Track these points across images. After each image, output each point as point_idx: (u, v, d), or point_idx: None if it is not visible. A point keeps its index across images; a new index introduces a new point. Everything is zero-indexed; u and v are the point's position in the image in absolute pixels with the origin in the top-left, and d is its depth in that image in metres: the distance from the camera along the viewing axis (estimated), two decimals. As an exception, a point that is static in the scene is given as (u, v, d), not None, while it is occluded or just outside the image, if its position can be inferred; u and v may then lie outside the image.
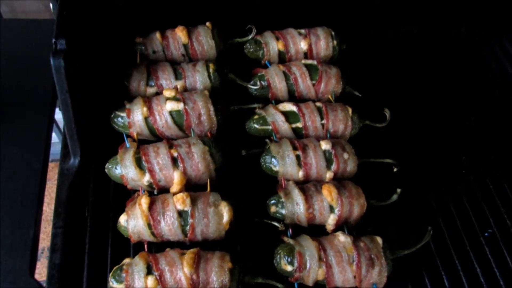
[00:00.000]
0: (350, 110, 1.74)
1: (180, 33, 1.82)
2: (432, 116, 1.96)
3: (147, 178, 1.48)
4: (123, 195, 1.54)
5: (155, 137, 1.65)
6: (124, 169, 1.48)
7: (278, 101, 1.81)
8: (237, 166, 1.65)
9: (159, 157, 1.48)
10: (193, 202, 1.42)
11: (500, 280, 1.56)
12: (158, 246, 1.46)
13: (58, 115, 1.92)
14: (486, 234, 1.66)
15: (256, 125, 1.71)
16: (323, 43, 1.91)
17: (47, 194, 3.10)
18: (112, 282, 1.32)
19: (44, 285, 1.37)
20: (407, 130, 1.88)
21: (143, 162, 1.48)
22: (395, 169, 1.68)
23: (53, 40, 1.43)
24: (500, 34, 2.26)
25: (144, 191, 1.49)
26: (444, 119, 1.96)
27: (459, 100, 2.03)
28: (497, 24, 2.27)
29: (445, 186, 1.75)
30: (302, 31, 1.94)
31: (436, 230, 1.58)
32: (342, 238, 1.44)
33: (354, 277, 1.40)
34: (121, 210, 1.47)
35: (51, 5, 1.62)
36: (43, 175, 1.55)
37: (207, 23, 1.88)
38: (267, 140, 1.66)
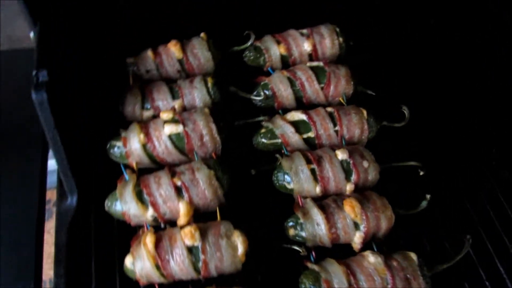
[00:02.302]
0: (365, 113, 1.59)
1: (174, 48, 1.68)
2: (453, 108, 1.79)
3: (150, 212, 1.36)
4: (128, 232, 1.41)
5: (156, 164, 1.52)
6: (124, 205, 1.35)
7: (286, 109, 1.67)
8: (248, 186, 1.51)
9: (161, 188, 1.35)
10: (203, 235, 1.28)
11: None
12: (171, 286, 1.33)
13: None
14: None
15: (264, 140, 1.57)
16: (328, 41, 1.76)
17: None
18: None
19: None
20: (428, 126, 1.72)
21: (145, 195, 1.35)
22: (421, 173, 1.52)
23: (34, 72, 1.31)
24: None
25: (149, 226, 1.37)
26: (467, 111, 1.78)
27: (479, 90, 1.85)
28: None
29: (478, 185, 1.59)
30: (304, 31, 1.80)
31: (475, 237, 1.42)
32: (372, 258, 1.30)
33: (390, 302, 1.25)
34: (128, 249, 1.34)
35: (31, 33, 1.50)
36: (39, 224, 1.44)
37: (202, 34, 1.75)
38: (277, 156, 1.52)
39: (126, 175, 1.42)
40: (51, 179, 1.60)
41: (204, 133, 1.47)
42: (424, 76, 1.85)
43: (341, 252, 1.38)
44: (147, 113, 1.60)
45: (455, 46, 1.94)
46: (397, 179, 1.55)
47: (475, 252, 1.44)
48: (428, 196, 1.45)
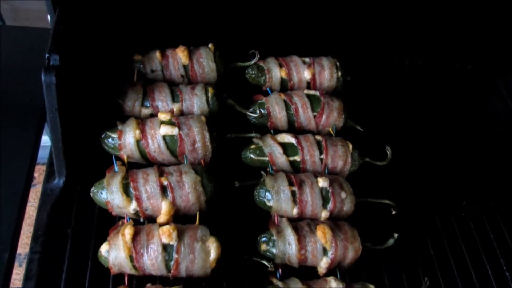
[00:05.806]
0: (350, 146, 1.68)
1: (181, 54, 1.76)
2: (434, 155, 1.90)
3: (133, 206, 1.41)
4: (107, 221, 1.46)
5: (146, 161, 1.58)
6: (110, 194, 1.40)
7: (277, 130, 1.75)
8: (229, 196, 1.58)
9: (147, 184, 1.41)
10: (180, 236, 1.34)
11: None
12: (140, 278, 1.38)
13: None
14: None
15: (252, 155, 1.64)
16: (327, 73, 1.86)
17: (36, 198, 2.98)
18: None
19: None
20: (407, 168, 1.82)
21: (131, 189, 1.41)
22: (393, 212, 1.61)
23: (46, 55, 1.36)
24: (505, 73, 2.22)
25: (129, 219, 1.42)
26: (445, 159, 1.89)
27: (461, 140, 1.98)
28: (503, 62, 2.23)
29: (446, 233, 1.68)
30: (307, 59, 1.89)
31: (433, 281, 1.50)
32: (334, 284, 1.37)
33: (344, 327, 1.32)
34: (104, 237, 1.39)
35: (48, 16, 1.56)
36: (24, 198, 1.47)
37: (210, 45, 1.83)
38: (262, 172, 1.59)
39: (116, 166, 1.47)
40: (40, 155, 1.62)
41: (197, 139, 1.54)
42: (409, 118, 1.96)
43: (306, 274, 1.44)
44: (146, 111, 1.66)
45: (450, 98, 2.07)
46: (371, 213, 1.63)
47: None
48: (395, 235, 1.53)
